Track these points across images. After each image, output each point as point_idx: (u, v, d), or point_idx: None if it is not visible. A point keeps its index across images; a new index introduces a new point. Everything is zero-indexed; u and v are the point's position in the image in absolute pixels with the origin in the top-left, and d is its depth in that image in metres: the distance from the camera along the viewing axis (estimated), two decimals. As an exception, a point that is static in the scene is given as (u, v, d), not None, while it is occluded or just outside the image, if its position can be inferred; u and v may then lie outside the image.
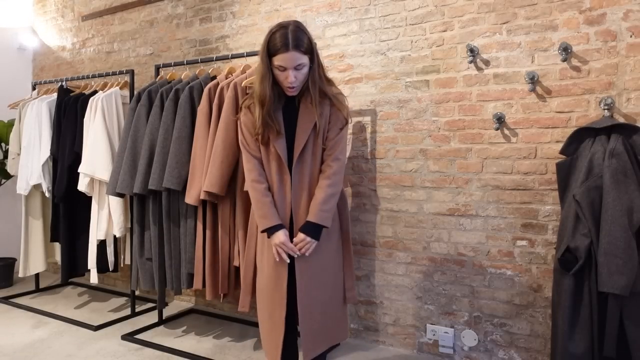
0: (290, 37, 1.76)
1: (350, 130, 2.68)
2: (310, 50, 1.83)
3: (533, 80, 2.18)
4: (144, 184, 2.57)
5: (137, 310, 3.17)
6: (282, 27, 1.79)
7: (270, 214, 1.87)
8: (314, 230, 1.86)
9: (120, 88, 3.10)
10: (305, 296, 1.88)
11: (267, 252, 1.93)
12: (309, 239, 1.85)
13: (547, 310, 2.20)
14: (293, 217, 1.92)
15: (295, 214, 1.92)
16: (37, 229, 3.39)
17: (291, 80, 1.81)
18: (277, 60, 1.80)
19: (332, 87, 1.98)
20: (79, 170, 2.93)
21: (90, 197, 3.00)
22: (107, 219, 2.94)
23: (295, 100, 1.93)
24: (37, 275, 3.62)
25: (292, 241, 1.87)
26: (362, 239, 2.68)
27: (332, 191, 1.89)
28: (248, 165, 1.96)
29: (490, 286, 2.34)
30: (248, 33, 3.04)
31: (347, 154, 2.68)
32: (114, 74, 3.16)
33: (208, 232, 2.46)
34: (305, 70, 1.84)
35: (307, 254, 1.86)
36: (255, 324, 2.60)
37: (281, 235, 1.85)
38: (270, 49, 1.81)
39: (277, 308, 1.90)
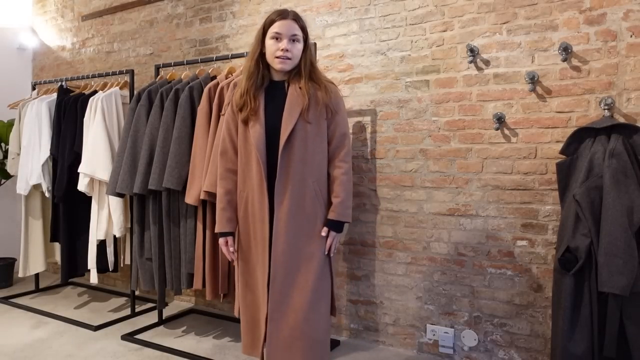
0: (290, 11, 1.83)
1: (350, 130, 2.68)
2: (305, 31, 1.84)
3: (533, 80, 2.18)
4: (143, 183, 2.57)
5: (137, 310, 3.16)
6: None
7: (220, 220, 1.91)
8: (339, 227, 1.87)
9: (120, 88, 3.10)
10: (275, 301, 1.79)
11: (251, 248, 1.89)
12: (333, 233, 1.85)
13: (547, 310, 2.20)
14: (274, 213, 1.81)
15: (277, 210, 1.80)
16: (37, 229, 3.39)
17: (284, 46, 1.76)
18: (274, 28, 1.78)
19: (323, 77, 1.92)
20: (78, 170, 2.93)
21: (90, 197, 3.00)
22: (107, 219, 2.94)
23: (283, 86, 1.85)
24: (37, 275, 3.62)
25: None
26: (362, 239, 2.68)
27: (351, 184, 1.89)
28: (221, 150, 1.94)
29: (490, 286, 2.34)
30: (248, 33, 3.04)
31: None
32: (114, 74, 3.16)
33: (208, 232, 2.46)
34: (299, 47, 1.81)
35: (333, 250, 1.87)
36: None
37: (221, 241, 1.92)
38: (266, 25, 1.82)
39: (260, 307, 1.86)
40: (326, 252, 1.84)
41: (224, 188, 1.92)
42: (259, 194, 1.82)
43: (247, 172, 1.86)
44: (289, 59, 1.79)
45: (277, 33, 1.78)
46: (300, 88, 1.82)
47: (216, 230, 1.92)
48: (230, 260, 1.97)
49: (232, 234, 1.92)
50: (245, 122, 1.85)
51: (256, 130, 1.81)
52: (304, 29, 1.83)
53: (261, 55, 1.84)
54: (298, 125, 1.79)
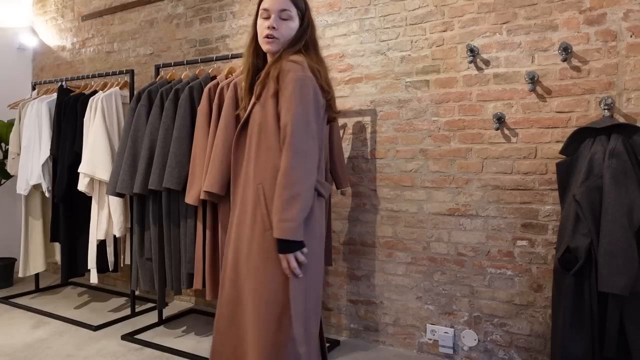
0: None
1: (350, 130, 2.68)
2: (302, 8, 1.61)
3: (533, 80, 2.18)
4: (144, 184, 2.57)
5: (137, 310, 3.16)
6: None
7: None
8: (281, 246, 1.44)
9: (120, 88, 3.10)
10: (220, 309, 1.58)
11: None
12: (281, 255, 1.44)
13: (547, 310, 2.20)
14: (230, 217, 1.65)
15: (232, 214, 1.62)
16: (37, 229, 3.39)
17: (270, 24, 1.53)
18: (263, 4, 1.58)
19: (314, 62, 1.59)
20: (78, 170, 2.93)
21: (90, 197, 3.00)
22: (107, 219, 2.94)
23: None
24: (37, 275, 3.62)
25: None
26: (362, 239, 2.68)
27: (290, 193, 1.41)
28: None
29: (490, 286, 2.34)
30: (248, 33, 3.03)
31: (347, 154, 2.68)
32: (114, 74, 3.16)
33: (208, 232, 2.46)
34: (292, 25, 1.58)
35: (295, 273, 1.45)
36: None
37: None
38: (258, 6, 1.62)
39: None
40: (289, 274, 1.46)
41: None
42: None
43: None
44: (275, 37, 1.55)
45: (265, 10, 1.57)
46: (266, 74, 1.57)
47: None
48: None
49: None
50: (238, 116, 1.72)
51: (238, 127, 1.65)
52: (298, 5, 1.59)
53: (255, 40, 1.64)
54: (253, 110, 1.54)
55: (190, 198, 2.44)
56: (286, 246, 1.43)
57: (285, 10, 1.57)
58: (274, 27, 1.55)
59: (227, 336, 1.59)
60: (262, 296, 1.48)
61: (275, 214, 1.42)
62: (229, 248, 1.60)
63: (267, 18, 1.58)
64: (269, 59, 1.64)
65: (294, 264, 1.44)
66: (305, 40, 1.61)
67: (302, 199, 1.42)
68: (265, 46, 1.60)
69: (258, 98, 1.55)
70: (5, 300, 3.41)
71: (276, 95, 1.51)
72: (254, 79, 1.64)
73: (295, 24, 1.60)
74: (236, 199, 1.60)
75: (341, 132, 2.68)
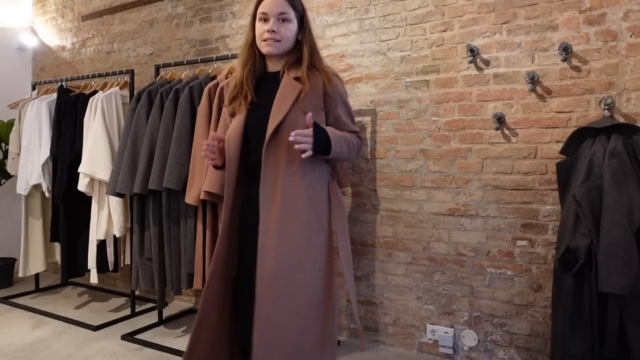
0: None
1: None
2: (300, 10, 1.63)
3: (533, 80, 2.18)
4: (144, 183, 2.57)
5: (137, 310, 3.16)
6: None
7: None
8: (320, 140, 1.50)
9: (120, 88, 3.10)
10: (262, 329, 1.48)
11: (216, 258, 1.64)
12: (310, 137, 1.47)
13: (547, 310, 2.20)
14: (260, 223, 1.53)
15: (263, 219, 1.54)
16: (37, 229, 3.39)
17: (270, 27, 1.55)
18: (261, 8, 1.59)
19: (326, 65, 1.69)
20: (78, 170, 2.93)
21: (90, 197, 3.00)
22: (107, 219, 2.94)
23: (277, 77, 1.63)
24: (37, 275, 3.62)
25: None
26: (362, 239, 2.68)
27: (350, 141, 1.63)
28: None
29: (490, 286, 2.34)
30: (244, 35, 3.03)
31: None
32: (114, 74, 3.16)
33: (208, 232, 2.46)
34: (291, 28, 1.60)
35: (298, 146, 1.47)
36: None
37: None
38: (255, 7, 1.63)
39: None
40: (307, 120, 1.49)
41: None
42: (232, 199, 1.62)
43: (227, 174, 1.64)
44: (276, 40, 1.58)
45: (263, 13, 1.58)
46: (296, 78, 1.59)
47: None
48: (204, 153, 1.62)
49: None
50: (232, 115, 1.66)
51: (234, 125, 1.62)
52: (296, 7, 1.61)
53: (254, 43, 1.65)
54: (290, 116, 1.54)
55: (190, 198, 2.45)
56: (321, 147, 1.52)
57: (283, 13, 1.59)
58: (273, 31, 1.57)
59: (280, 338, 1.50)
60: (324, 291, 1.58)
61: (336, 134, 1.58)
62: (266, 255, 1.51)
63: (266, 21, 1.60)
64: (269, 61, 1.68)
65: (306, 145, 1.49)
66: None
67: (347, 156, 1.66)
68: (265, 49, 1.61)
69: (302, 103, 1.56)
70: (5, 300, 3.41)
71: (324, 104, 1.62)
72: (261, 81, 1.66)
73: (294, 26, 1.62)
74: (266, 203, 1.54)
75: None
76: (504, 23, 2.28)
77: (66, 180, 3.04)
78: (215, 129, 2.39)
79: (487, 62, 2.32)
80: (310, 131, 1.48)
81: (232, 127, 1.63)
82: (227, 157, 1.64)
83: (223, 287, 1.67)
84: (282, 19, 1.59)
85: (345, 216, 1.76)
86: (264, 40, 1.59)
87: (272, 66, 1.68)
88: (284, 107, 1.55)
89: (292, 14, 1.60)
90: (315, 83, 1.60)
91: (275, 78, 1.64)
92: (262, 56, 1.67)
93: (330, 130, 1.57)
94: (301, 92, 1.56)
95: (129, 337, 2.73)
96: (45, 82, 3.63)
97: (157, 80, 2.85)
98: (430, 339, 2.49)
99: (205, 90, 2.49)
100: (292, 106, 1.55)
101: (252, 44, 1.66)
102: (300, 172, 1.56)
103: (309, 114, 1.49)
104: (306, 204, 1.56)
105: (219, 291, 1.66)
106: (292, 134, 1.44)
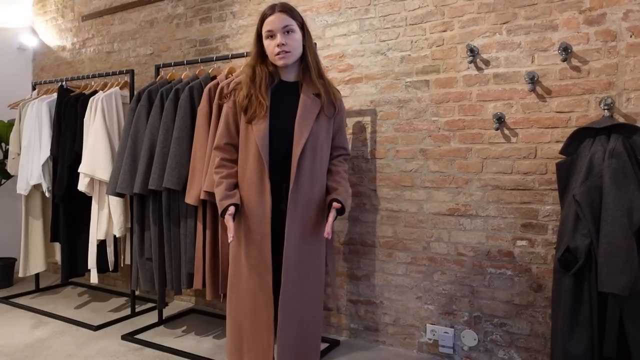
0: (277, 4, 1.78)
1: (350, 130, 2.69)
2: (300, 20, 1.79)
3: (533, 80, 2.18)
4: (144, 184, 2.57)
5: (137, 310, 3.17)
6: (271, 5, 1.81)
7: (221, 194, 1.75)
8: (340, 211, 1.79)
9: (120, 88, 3.10)
10: (287, 303, 1.76)
11: (245, 249, 1.79)
12: (335, 215, 1.77)
13: (547, 310, 2.20)
14: (287, 219, 1.75)
15: (290, 217, 1.75)
16: (37, 229, 3.39)
17: (279, 41, 1.72)
18: (265, 27, 1.75)
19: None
20: (79, 170, 2.93)
21: (90, 197, 3.00)
22: (107, 219, 2.94)
23: (296, 88, 1.83)
24: (37, 275, 3.62)
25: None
26: (362, 239, 2.68)
27: (348, 185, 1.92)
28: (217, 144, 1.86)
29: (490, 286, 2.34)
30: (248, 33, 3.04)
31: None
32: (114, 74, 3.16)
33: (208, 232, 2.46)
34: (297, 37, 1.76)
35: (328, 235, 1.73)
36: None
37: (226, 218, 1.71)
38: (258, 27, 1.79)
39: (264, 309, 1.78)
40: (326, 235, 1.72)
41: (222, 173, 1.81)
42: (258, 195, 1.76)
43: (245, 170, 1.79)
44: (288, 52, 1.75)
45: (269, 31, 1.74)
46: (315, 95, 1.80)
47: (220, 208, 1.74)
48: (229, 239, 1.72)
49: (236, 205, 1.75)
50: (250, 122, 1.79)
51: (260, 130, 1.75)
52: (296, 17, 1.78)
53: (262, 57, 1.81)
54: (312, 131, 1.77)
55: (190, 198, 2.45)
56: (343, 213, 1.82)
57: (287, 25, 1.74)
58: (283, 44, 1.73)
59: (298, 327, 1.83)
60: (322, 275, 1.91)
61: (347, 191, 1.85)
62: (293, 242, 1.77)
63: (273, 37, 1.75)
64: (281, 70, 1.84)
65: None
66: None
67: None
68: (279, 62, 1.77)
69: (320, 120, 1.81)
70: (6, 300, 3.41)
71: (333, 115, 1.86)
72: (265, 88, 1.79)
73: (298, 34, 1.78)
74: (297, 200, 1.76)
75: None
76: (504, 23, 2.28)
77: (66, 180, 3.04)
78: (215, 129, 2.40)
79: (487, 62, 2.33)
80: (331, 219, 1.76)
81: (259, 133, 1.74)
82: (252, 159, 1.78)
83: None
84: (287, 30, 1.74)
85: None
86: (277, 55, 1.75)
87: (286, 75, 1.85)
88: (307, 124, 1.76)
89: (294, 24, 1.76)
90: (328, 95, 1.83)
91: (294, 88, 1.83)
92: (274, 66, 1.82)
93: (342, 197, 1.80)
94: (321, 110, 1.80)
95: (129, 337, 2.73)
96: (45, 82, 3.63)
97: (157, 80, 2.85)
98: (430, 339, 2.49)
99: (205, 90, 2.49)
100: (314, 123, 1.78)
101: (260, 62, 1.81)
102: (316, 178, 1.82)
103: (328, 232, 1.72)
104: (318, 206, 1.83)
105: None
106: (326, 235, 1.72)
